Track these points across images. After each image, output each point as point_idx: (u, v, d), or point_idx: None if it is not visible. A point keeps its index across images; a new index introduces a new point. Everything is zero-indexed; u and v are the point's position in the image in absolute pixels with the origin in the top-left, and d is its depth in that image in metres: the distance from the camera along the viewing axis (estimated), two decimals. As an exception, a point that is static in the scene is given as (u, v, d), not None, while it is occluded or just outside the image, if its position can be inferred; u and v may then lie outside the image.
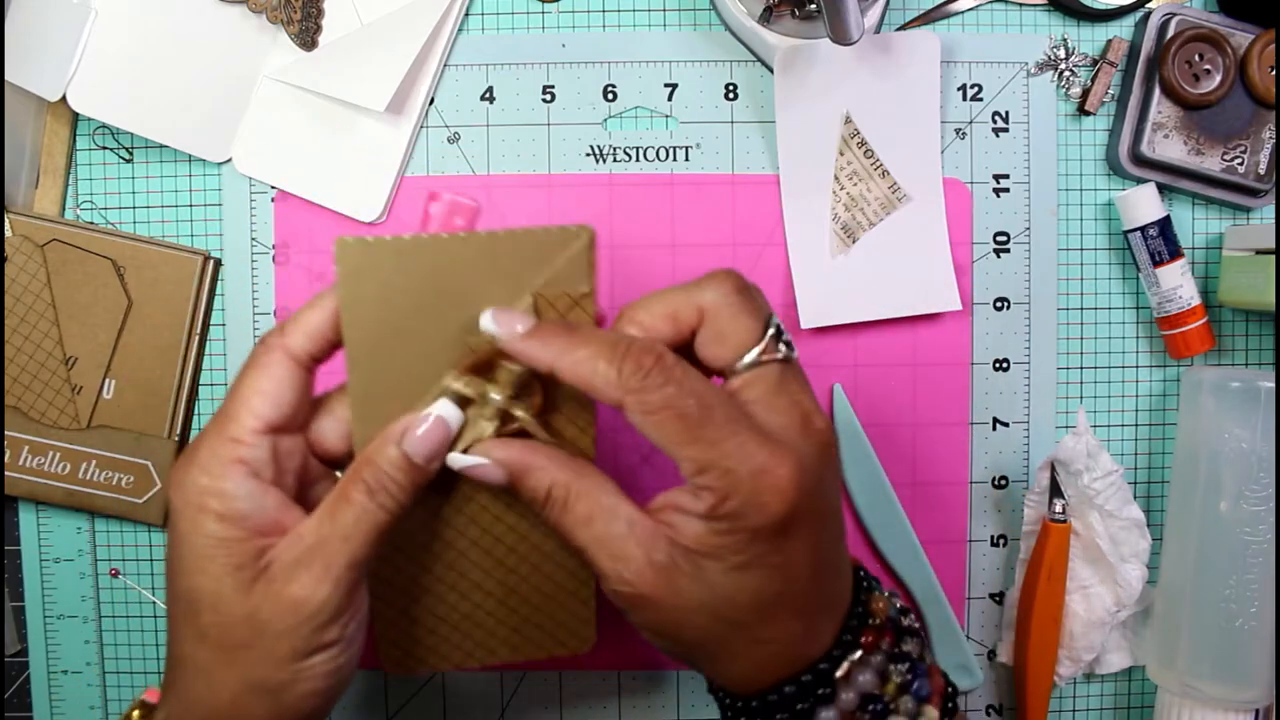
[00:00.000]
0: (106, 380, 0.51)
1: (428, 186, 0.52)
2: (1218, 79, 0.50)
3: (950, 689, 0.36)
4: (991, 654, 0.54)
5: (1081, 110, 0.52)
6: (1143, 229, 0.50)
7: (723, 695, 0.35)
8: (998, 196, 0.52)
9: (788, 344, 0.34)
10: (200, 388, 0.53)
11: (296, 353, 0.34)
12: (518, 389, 0.34)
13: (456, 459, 0.34)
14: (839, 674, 0.33)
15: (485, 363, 0.34)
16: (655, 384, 0.31)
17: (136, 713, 0.39)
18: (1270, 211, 0.52)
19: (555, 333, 0.32)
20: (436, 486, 0.36)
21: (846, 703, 0.33)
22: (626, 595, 0.32)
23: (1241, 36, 0.49)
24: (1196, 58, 0.50)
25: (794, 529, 0.31)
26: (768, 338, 0.33)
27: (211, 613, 0.32)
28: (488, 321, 0.33)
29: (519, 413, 0.34)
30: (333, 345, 0.35)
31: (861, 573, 0.36)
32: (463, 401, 0.34)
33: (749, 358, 0.33)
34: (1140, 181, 0.51)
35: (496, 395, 0.34)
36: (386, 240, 0.34)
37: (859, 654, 0.33)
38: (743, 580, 0.32)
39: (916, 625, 0.36)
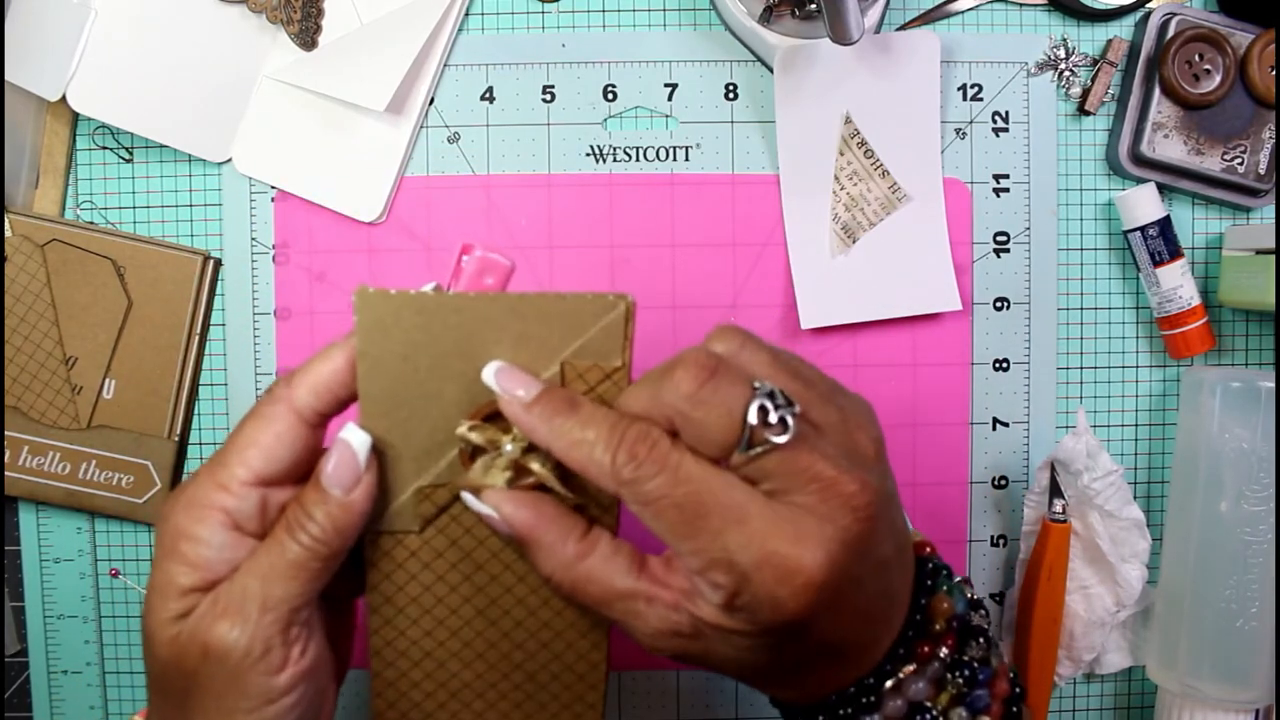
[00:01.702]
0: (106, 380, 0.51)
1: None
2: (1218, 79, 0.50)
3: (1017, 691, 0.34)
4: (991, 654, 0.54)
5: (1081, 110, 0.52)
6: (1143, 229, 0.50)
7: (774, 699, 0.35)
8: (998, 196, 0.52)
9: (783, 421, 0.29)
10: (200, 388, 0.53)
11: (301, 409, 0.32)
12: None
13: (470, 501, 0.32)
14: (888, 685, 0.32)
15: (499, 414, 0.32)
16: (649, 474, 0.29)
17: None
18: (1270, 211, 0.52)
19: (557, 408, 0.30)
20: (446, 550, 0.35)
21: (893, 710, 0.32)
22: (667, 655, 0.31)
23: (1241, 36, 0.49)
24: (1196, 58, 0.50)
25: (824, 612, 0.29)
26: (752, 426, 0.29)
27: (152, 657, 0.32)
28: (489, 377, 0.31)
29: (535, 466, 0.32)
30: (341, 402, 0.33)
31: (930, 565, 0.34)
32: (476, 451, 0.33)
33: (739, 454, 0.29)
34: (1140, 181, 0.51)
35: (509, 445, 0.32)
36: (410, 294, 0.32)
37: (911, 667, 0.32)
38: (772, 654, 0.30)
39: (985, 625, 0.34)
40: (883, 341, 0.52)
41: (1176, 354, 0.51)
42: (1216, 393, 0.49)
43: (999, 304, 0.53)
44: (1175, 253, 0.50)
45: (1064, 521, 0.50)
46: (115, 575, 0.53)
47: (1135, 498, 0.52)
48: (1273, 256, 0.48)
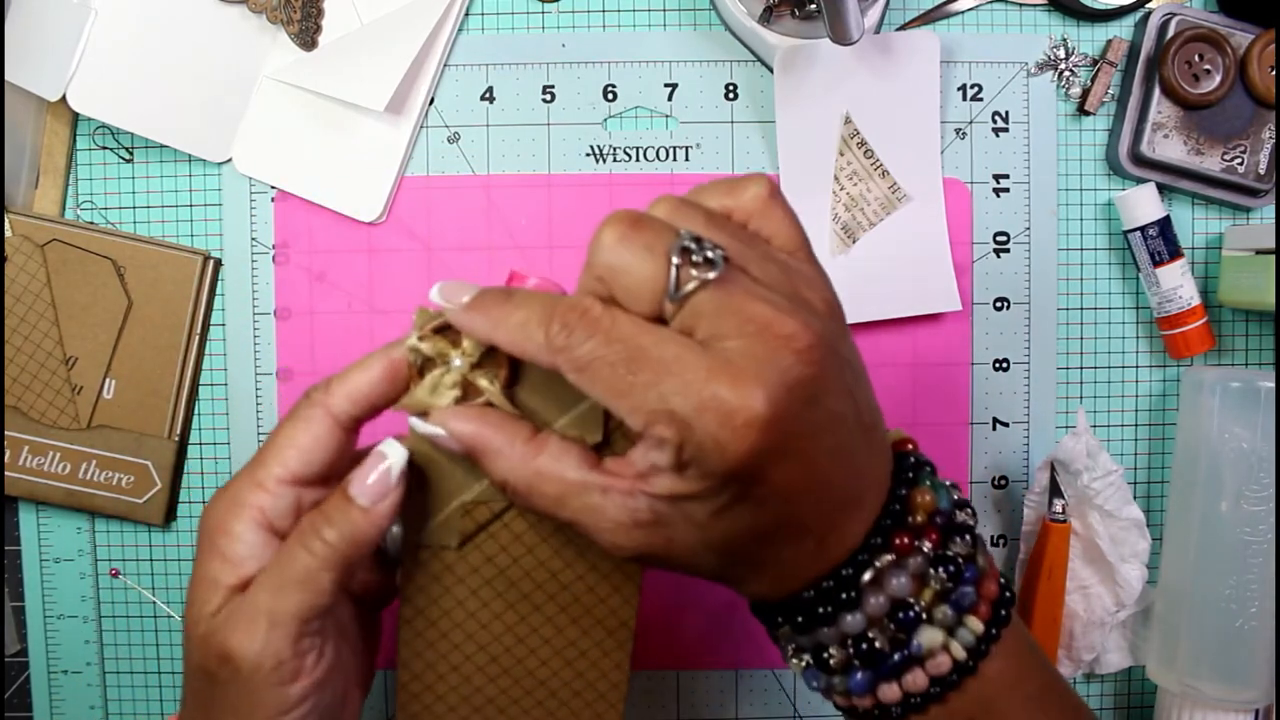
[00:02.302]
0: (106, 380, 0.51)
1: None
2: (1218, 79, 0.50)
3: (1007, 595, 0.33)
4: (991, 654, 0.54)
5: (1081, 110, 0.52)
6: (1143, 229, 0.50)
7: (754, 602, 0.34)
8: (998, 196, 0.52)
9: (707, 260, 0.28)
10: (200, 388, 0.53)
11: (337, 413, 0.33)
12: (482, 358, 0.32)
13: (417, 424, 0.32)
14: (866, 578, 0.31)
15: (453, 328, 0.33)
16: (580, 339, 0.28)
17: None
18: (1270, 211, 0.52)
19: (494, 300, 0.30)
20: (482, 566, 0.35)
21: (874, 608, 0.31)
22: (630, 555, 0.31)
23: (1241, 36, 0.49)
24: (1196, 58, 0.50)
25: (774, 457, 0.28)
26: (675, 268, 0.28)
27: (187, 654, 0.32)
28: (434, 294, 0.31)
29: (482, 383, 0.32)
30: (376, 410, 0.34)
31: (912, 460, 0.33)
32: (425, 368, 0.33)
33: (669, 301, 0.28)
34: (1140, 181, 0.51)
35: (458, 360, 0.32)
36: None
37: (890, 557, 0.31)
38: (730, 518, 0.29)
39: (971, 522, 0.33)
40: (883, 341, 0.52)
41: (1176, 354, 0.51)
42: (1216, 393, 0.49)
43: (999, 304, 0.53)
44: (1175, 253, 0.50)
45: (1064, 521, 0.50)
46: (115, 575, 0.53)
47: (1135, 498, 0.52)
48: (1273, 256, 0.48)
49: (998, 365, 0.53)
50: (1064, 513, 0.50)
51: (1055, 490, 0.51)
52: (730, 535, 0.30)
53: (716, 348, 0.28)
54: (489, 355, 0.32)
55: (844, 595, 0.31)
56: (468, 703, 0.37)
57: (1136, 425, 0.54)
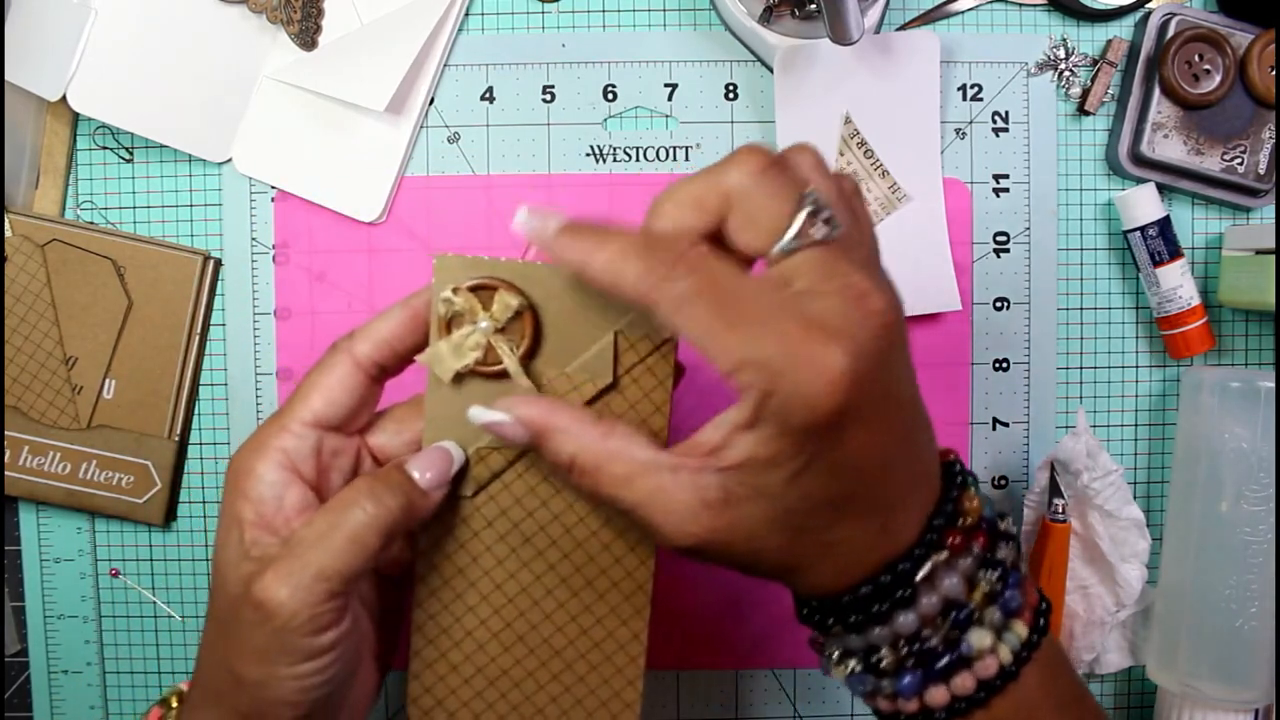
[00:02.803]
0: (107, 380, 0.51)
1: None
2: (1217, 79, 0.50)
3: (1044, 605, 0.33)
4: (991, 654, 0.54)
5: (1081, 110, 0.52)
6: (1142, 229, 0.50)
7: (805, 601, 0.34)
8: (998, 196, 0.52)
9: (828, 221, 0.29)
10: (200, 388, 0.53)
11: (361, 360, 0.34)
12: (508, 323, 0.33)
13: (479, 413, 0.32)
14: (920, 575, 0.31)
15: (486, 288, 0.33)
16: (681, 274, 0.28)
17: (174, 698, 0.39)
18: (1270, 211, 0.52)
19: (589, 230, 0.30)
20: (496, 519, 0.35)
21: (928, 607, 0.31)
22: (692, 545, 0.30)
23: (1241, 36, 0.50)
24: (1196, 58, 0.50)
25: (853, 421, 0.28)
26: (802, 218, 0.29)
27: (220, 588, 0.33)
28: (522, 217, 0.31)
29: (503, 347, 0.33)
30: (399, 358, 0.35)
31: (957, 467, 0.33)
32: (453, 320, 0.34)
33: (783, 243, 0.29)
34: (1140, 181, 0.51)
35: (485, 322, 0.33)
36: (484, 260, 0.33)
37: (944, 555, 0.31)
38: (805, 485, 0.29)
39: (1014, 531, 0.33)
40: (883, 341, 0.52)
41: (1176, 354, 0.51)
42: (1216, 393, 0.49)
43: (999, 304, 0.53)
44: (1175, 253, 0.50)
45: (1064, 521, 0.50)
46: (115, 575, 0.53)
47: (1135, 498, 0.52)
48: (1273, 256, 0.48)
49: (998, 365, 0.53)
50: (1064, 513, 0.50)
51: (1055, 490, 0.51)
52: (803, 504, 0.30)
53: (812, 305, 0.28)
54: (514, 321, 0.33)
55: (899, 593, 0.31)
56: (482, 674, 0.36)
57: (1136, 425, 0.54)
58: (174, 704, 0.37)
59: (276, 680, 0.32)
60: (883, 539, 0.31)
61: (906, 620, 0.31)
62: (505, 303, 0.33)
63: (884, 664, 0.32)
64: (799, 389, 0.27)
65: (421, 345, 0.34)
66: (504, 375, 0.34)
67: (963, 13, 0.52)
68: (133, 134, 0.51)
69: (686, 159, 0.52)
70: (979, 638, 0.31)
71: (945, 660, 0.31)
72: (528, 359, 0.34)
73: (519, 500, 0.35)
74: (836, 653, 0.34)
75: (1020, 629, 0.32)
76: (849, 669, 0.33)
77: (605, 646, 0.36)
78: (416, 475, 0.33)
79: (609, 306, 0.34)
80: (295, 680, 0.32)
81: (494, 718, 0.37)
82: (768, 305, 0.28)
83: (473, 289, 0.33)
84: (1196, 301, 0.50)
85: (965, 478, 0.33)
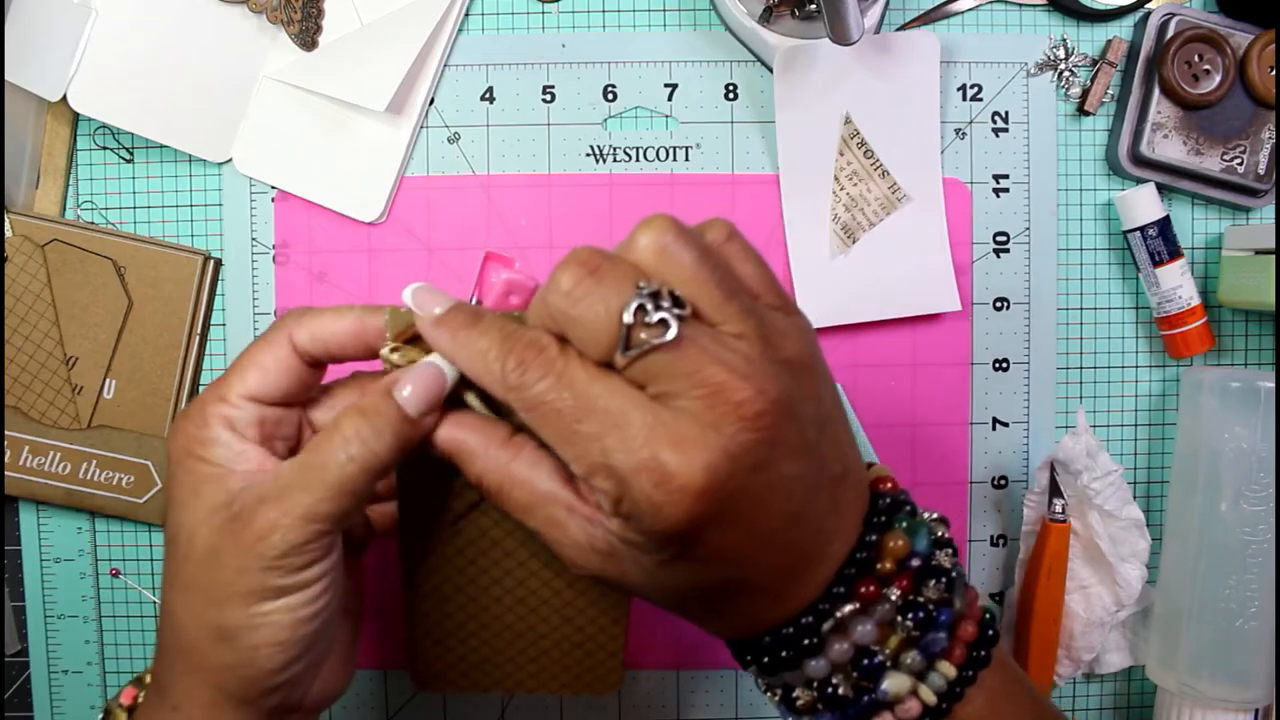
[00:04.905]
0: (107, 380, 0.51)
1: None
2: (1217, 79, 0.50)
3: (989, 634, 0.32)
4: (991, 654, 0.54)
5: (1081, 110, 0.52)
6: (1142, 229, 0.50)
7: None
8: (997, 196, 0.52)
9: (663, 321, 0.27)
10: (200, 388, 0.53)
11: (298, 344, 0.34)
12: None
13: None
14: (827, 627, 0.31)
15: (408, 331, 0.33)
16: (533, 379, 0.28)
17: (148, 675, 0.38)
18: (1270, 211, 0.52)
19: (462, 321, 0.31)
20: (478, 539, 0.36)
21: (838, 654, 0.31)
22: (588, 576, 0.31)
23: (1241, 36, 0.50)
24: (1196, 58, 0.50)
25: (714, 523, 0.28)
26: (626, 327, 0.27)
27: (186, 550, 0.32)
28: (407, 296, 0.31)
29: (469, 398, 0.33)
30: (332, 358, 0.34)
31: (888, 500, 0.32)
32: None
33: (620, 355, 0.28)
34: (1140, 181, 0.51)
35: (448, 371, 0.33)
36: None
37: (852, 607, 0.31)
38: (674, 574, 0.30)
39: (950, 564, 0.32)
40: (883, 341, 0.52)
41: (1176, 354, 0.51)
42: (1216, 393, 0.49)
43: (999, 304, 0.53)
44: (1175, 253, 0.50)
45: (1064, 521, 0.50)
46: (115, 575, 0.53)
47: (1135, 498, 0.52)
48: (1272, 256, 0.48)
49: (997, 365, 0.53)
50: (1064, 513, 0.50)
51: (1055, 490, 0.51)
52: (676, 587, 0.30)
53: (666, 406, 0.28)
54: None
55: (805, 641, 0.31)
56: (472, 646, 0.38)
57: (1136, 425, 0.54)
58: (147, 681, 0.37)
59: (264, 620, 0.31)
60: (776, 606, 0.31)
61: (817, 666, 0.31)
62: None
63: (800, 703, 0.32)
64: (645, 499, 0.27)
65: (362, 357, 0.34)
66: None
67: (963, 13, 0.52)
68: (133, 134, 0.51)
69: (686, 159, 0.52)
70: (896, 683, 0.31)
71: (861, 703, 0.31)
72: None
73: (498, 522, 0.36)
74: (761, 683, 0.34)
75: (947, 669, 0.31)
76: (776, 697, 0.34)
77: (588, 630, 0.38)
78: (404, 402, 0.31)
79: None
80: (286, 614, 0.31)
81: (486, 680, 0.39)
82: (617, 409, 0.27)
83: (409, 341, 0.33)
84: (1196, 301, 0.50)
85: (891, 514, 0.32)
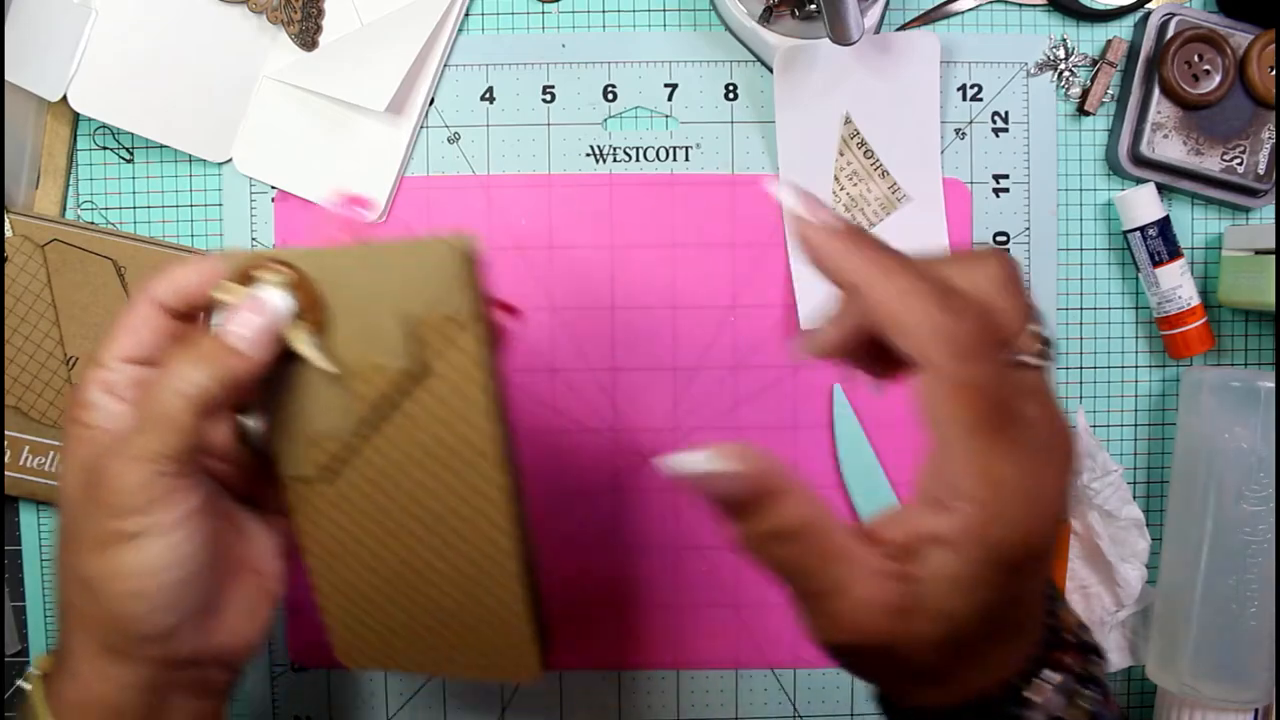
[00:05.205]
0: (107, 380, 0.51)
1: (420, 186, 0.52)
2: (1217, 79, 0.50)
3: (1125, 714, 0.33)
4: (991, 654, 0.54)
5: (1081, 110, 0.52)
6: (1142, 229, 0.50)
7: (899, 707, 0.32)
8: (998, 196, 0.52)
9: (1047, 342, 0.28)
10: (200, 388, 0.53)
11: (162, 303, 0.35)
12: (303, 309, 0.33)
13: (684, 462, 0.27)
14: (1026, 693, 0.29)
15: (247, 273, 0.33)
16: (982, 356, 0.26)
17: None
18: (1270, 211, 0.52)
19: (874, 247, 0.27)
20: (358, 498, 0.36)
21: None
22: (851, 645, 0.28)
23: (1241, 36, 0.50)
24: (1196, 58, 0.50)
25: (1040, 559, 0.28)
26: (1042, 335, 0.28)
27: (61, 510, 0.34)
28: (782, 191, 0.29)
29: (298, 339, 0.33)
30: (192, 309, 0.35)
31: (1050, 579, 0.33)
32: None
33: (1021, 354, 0.27)
34: (1140, 181, 0.51)
35: (278, 297, 0.33)
36: (267, 252, 0.34)
37: (1052, 672, 0.30)
38: (982, 608, 0.27)
39: (1091, 641, 0.32)
40: (883, 341, 0.52)
41: (1176, 354, 0.51)
42: (1216, 393, 0.49)
43: (999, 304, 0.53)
44: (1175, 253, 0.50)
45: (1064, 521, 0.50)
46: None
47: (1135, 498, 0.52)
48: (1272, 256, 0.48)
49: (998, 365, 0.53)
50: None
51: (1055, 490, 0.50)
52: (972, 627, 0.28)
53: (1039, 435, 0.27)
54: (307, 307, 0.33)
55: (1010, 709, 0.30)
56: (387, 627, 0.38)
57: (1136, 425, 0.54)
58: None
59: (120, 568, 0.31)
60: (1003, 659, 0.30)
61: None
62: (277, 280, 0.33)
63: None
64: (1027, 525, 0.26)
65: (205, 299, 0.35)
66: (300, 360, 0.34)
67: (963, 13, 0.52)
68: (133, 134, 0.51)
69: (686, 159, 0.52)
70: None
71: None
72: (318, 337, 0.34)
73: (369, 479, 0.36)
74: None
75: None
76: None
77: (487, 602, 0.37)
78: (233, 337, 0.32)
79: (399, 289, 0.33)
80: (140, 562, 0.32)
81: (405, 661, 0.39)
82: (1018, 426, 0.26)
83: (239, 278, 0.33)
84: (1196, 301, 0.50)
85: (1055, 591, 0.32)
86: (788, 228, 0.29)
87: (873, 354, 0.31)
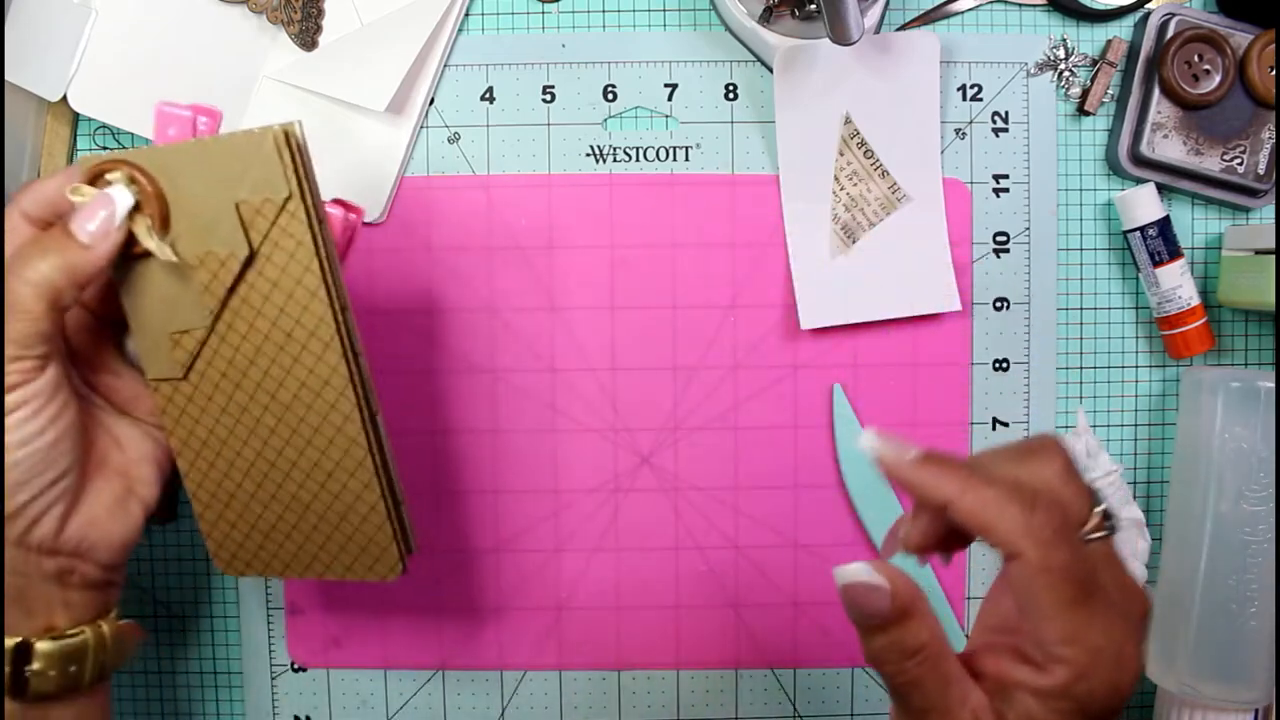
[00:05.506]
0: (107, 380, 0.51)
1: (420, 186, 0.52)
2: (1217, 79, 0.50)
3: None
4: (991, 654, 0.54)
5: (1081, 110, 0.52)
6: (1142, 229, 0.50)
7: None
8: (997, 196, 0.52)
9: (1109, 515, 0.32)
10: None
11: (27, 210, 0.37)
12: (140, 205, 0.36)
13: (853, 572, 0.32)
14: None
15: (99, 174, 0.36)
16: (1063, 542, 0.30)
17: None
18: (1270, 211, 0.52)
19: (953, 466, 0.32)
20: (213, 394, 0.38)
21: None
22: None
23: (1241, 36, 0.50)
24: (1196, 58, 0.50)
25: (1118, 710, 0.31)
26: (1099, 515, 0.32)
27: None
28: (869, 441, 0.33)
29: (140, 229, 0.36)
30: (57, 218, 0.37)
31: None
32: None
33: (1089, 534, 0.32)
34: (1140, 181, 0.51)
35: (121, 199, 0.36)
36: (114, 152, 0.37)
37: None
38: None
39: None
40: (883, 341, 0.52)
41: (1176, 354, 0.51)
42: (1216, 393, 0.49)
43: (999, 304, 0.53)
44: (1175, 253, 0.50)
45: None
46: (115, 575, 0.53)
47: (1135, 498, 0.52)
48: (1272, 256, 0.48)
49: (998, 365, 0.53)
50: (1064, 513, 0.50)
51: (1055, 490, 0.50)
52: None
53: (1116, 600, 0.31)
54: (147, 203, 0.36)
55: None
56: (256, 529, 0.40)
57: (1136, 425, 0.54)
58: None
59: None
60: None
61: None
62: (123, 178, 0.35)
63: None
64: (1110, 677, 0.30)
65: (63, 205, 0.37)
66: (146, 255, 0.36)
67: (963, 13, 0.52)
68: (133, 134, 0.51)
69: (686, 159, 0.52)
70: None
71: None
72: (161, 231, 0.36)
73: (224, 374, 0.38)
74: None
75: None
76: None
77: (344, 497, 0.39)
78: (76, 230, 0.35)
79: (227, 178, 0.35)
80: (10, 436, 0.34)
81: (279, 564, 0.41)
82: (1102, 590, 0.30)
83: (93, 180, 0.36)
84: (1196, 301, 0.50)
85: None
86: (879, 469, 0.33)
87: (947, 540, 0.35)
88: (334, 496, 0.39)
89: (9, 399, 0.35)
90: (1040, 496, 0.31)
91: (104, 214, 0.35)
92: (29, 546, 0.36)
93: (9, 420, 0.35)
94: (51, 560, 0.37)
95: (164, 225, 0.36)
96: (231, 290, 0.37)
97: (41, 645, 0.37)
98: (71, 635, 0.38)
